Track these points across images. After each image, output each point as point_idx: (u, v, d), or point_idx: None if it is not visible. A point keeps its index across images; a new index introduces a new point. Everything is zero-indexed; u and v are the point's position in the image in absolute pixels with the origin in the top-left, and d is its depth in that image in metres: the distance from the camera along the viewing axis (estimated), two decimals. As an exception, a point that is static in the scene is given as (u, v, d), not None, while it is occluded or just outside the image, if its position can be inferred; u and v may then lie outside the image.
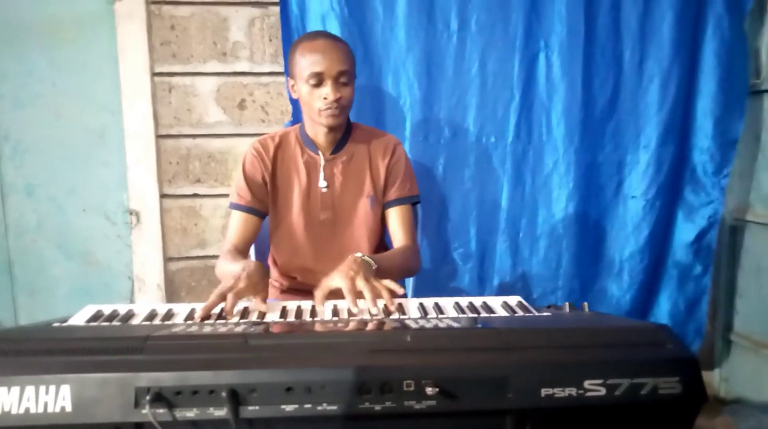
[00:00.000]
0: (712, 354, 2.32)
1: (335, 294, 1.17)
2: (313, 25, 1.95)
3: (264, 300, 1.16)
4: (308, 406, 0.80)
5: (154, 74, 2.06)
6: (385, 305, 1.12)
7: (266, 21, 2.06)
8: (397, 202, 1.56)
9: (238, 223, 1.51)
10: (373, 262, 1.27)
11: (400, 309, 1.13)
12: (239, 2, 2.05)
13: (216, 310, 1.10)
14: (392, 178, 1.56)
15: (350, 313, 1.10)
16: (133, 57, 2.04)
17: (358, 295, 1.14)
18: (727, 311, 2.29)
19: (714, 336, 2.32)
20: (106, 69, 2.06)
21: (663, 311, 2.19)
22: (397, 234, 1.55)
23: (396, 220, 1.56)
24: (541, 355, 0.84)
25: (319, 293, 1.18)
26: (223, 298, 1.10)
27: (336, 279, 1.18)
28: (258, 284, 1.18)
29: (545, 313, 1.09)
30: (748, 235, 2.20)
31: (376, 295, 1.13)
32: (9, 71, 2.06)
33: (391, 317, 1.07)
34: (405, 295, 1.76)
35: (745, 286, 2.22)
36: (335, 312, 1.12)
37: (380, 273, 1.24)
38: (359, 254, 1.27)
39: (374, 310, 1.09)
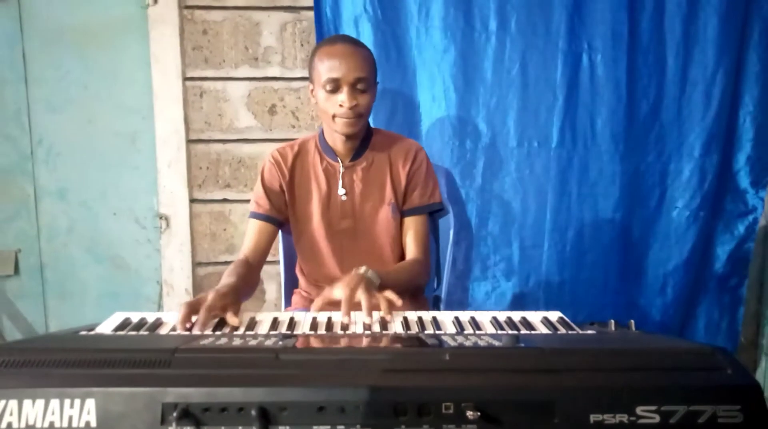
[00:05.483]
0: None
1: (336, 305, 1.13)
2: (346, 28, 1.92)
3: (234, 314, 1.10)
4: (341, 426, 0.75)
5: (185, 79, 2.05)
6: (382, 316, 1.09)
7: (298, 26, 2.04)
8: (413, 211, 1.52)
9: (252, 232, 1.49)
10: (377, 277, 1.24)
11: (435, 323, 1.08)
12: (271, 7, 2.03)
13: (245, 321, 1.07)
14: (412, 185, 1.52)
15: (344, 326, 1.07)
16: (165, 61, 2.03)
17: (356, 306, 1.11)
18: (760, 322, 2.20)
19: (745, 348, 2.23)
20: (138, 73, 2.07)
21: (699, 325, 2.12)
22: (409, 245, 1.52)
23: (409, 230, 1.53)
24: (590, 378, 0.78)
25: (318, 301, 1.17)
26: (193, 308, 1.06)
27: (337, 290, 1.16)
28: (226, 298, 1.13)
29: (589, 331, 1.03)
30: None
31: (374, 307, 1.10)
32: (43, 76, 2.08)
33: (426, 332, 1.02)
34: (433, 302, 1.72)
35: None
36: (366, 326, 1.08)
37: (384, 289, 1.20)
38: (363, 269, 1.24)
39: (368, 321, 1.07)
